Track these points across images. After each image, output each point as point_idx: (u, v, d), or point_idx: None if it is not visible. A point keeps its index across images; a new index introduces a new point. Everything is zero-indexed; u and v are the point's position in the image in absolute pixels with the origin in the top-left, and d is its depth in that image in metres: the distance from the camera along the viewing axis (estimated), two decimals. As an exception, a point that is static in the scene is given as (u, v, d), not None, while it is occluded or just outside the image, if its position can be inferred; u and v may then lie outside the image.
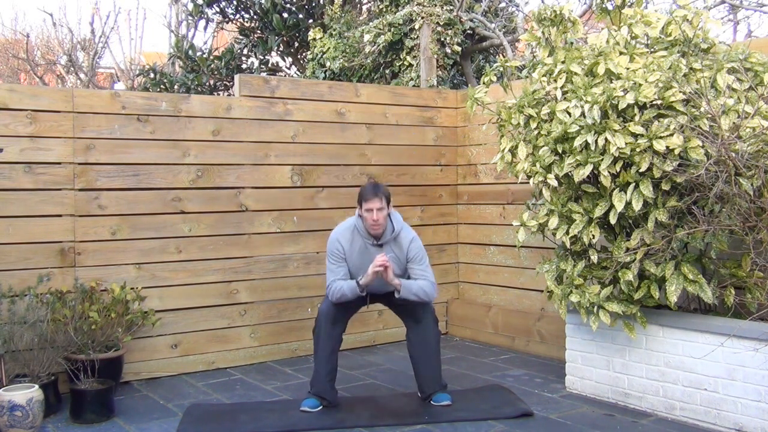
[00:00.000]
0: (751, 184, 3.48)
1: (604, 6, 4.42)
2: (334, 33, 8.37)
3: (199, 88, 9.26)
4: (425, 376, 4.25)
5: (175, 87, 9.42)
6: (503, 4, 8.88)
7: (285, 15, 9.64)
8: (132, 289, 4.72)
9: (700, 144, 3.53)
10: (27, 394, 3.75)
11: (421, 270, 4.16)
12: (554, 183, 4.03)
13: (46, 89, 4.86)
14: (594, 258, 4.06)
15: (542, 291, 4.72)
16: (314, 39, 8.53)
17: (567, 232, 4.03)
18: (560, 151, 3.98)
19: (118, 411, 4.20)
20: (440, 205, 6.24)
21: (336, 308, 4.17)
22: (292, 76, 10.22)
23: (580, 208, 4.00)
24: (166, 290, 4.96)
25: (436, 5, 7.26)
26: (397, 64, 7.48)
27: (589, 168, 3.81)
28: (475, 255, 6.17)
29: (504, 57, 6.52)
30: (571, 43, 4.47)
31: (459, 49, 7.31)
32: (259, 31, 10.03)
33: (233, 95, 5.61)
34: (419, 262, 4.18)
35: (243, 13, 10.16)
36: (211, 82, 9.68)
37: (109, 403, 4.15)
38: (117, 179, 4.79)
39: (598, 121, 3.78)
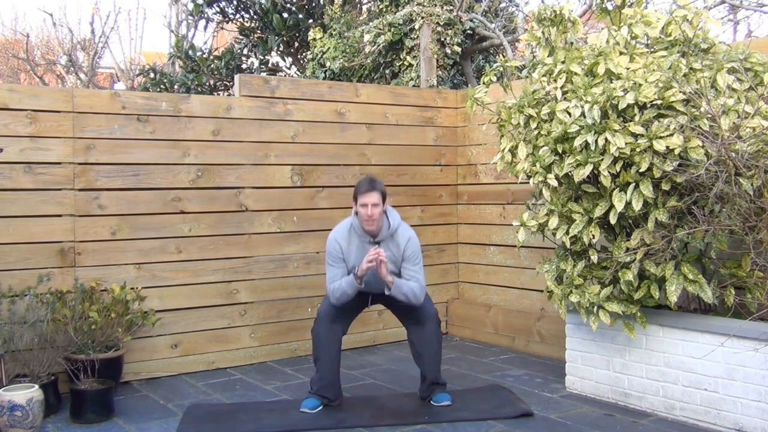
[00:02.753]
0: (751, 184, 3.48)
1: (604, 6, 4.42)
2: (334, 33, 8.37)
3: (199, 88, 9.26)
4: (426, 366, 4.22)
5: (175, 87, 9.42)
6: (503, 4, 8.88)
7: (285, 15, 9.64)
8: (132, 289, 4.72)
9: (700, 144, 3.53)
10: (27, 394, 3.75)
11: (414, 272, 4.14)
12: (554, 183, 4.03)
13: (46, 89, 4.86)
14: (594, 258, 4.06)
15: (542, 291, 4.72)
16: (314, 39, 8.54)
17: (567, 232, 4.03)
18: (560, 151, 3.98)
19: (118, 411, 4.20)
20: (440, 205, 6.24)
21: (336, 309, 4.16)
22: (292, 76, 10.22)
23: (580, 208, 4.00)
24: (166, 290, 4.96)
25: (436, 5, 7.26)
26: (397, 64, 7.48)
27: (589, 168, 3.81)
28: (475, 255, 6.17)
29: (504, 57, 6.52)
30: (571, 43, 4.47)
31: (459, 49, 7.32)
32: (259, 31, 10.03)
33: (233, 95, 5.61)
34: (414, 262, 4.15)
35: (243, 13, 10.17)
36: (211, 82, 9.68)
37: (109, 403, 4.15)
38: (117, 179, 4.79)
39: (598, 121, 3.78)
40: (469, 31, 7.72)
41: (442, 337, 4.32)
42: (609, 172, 3.76)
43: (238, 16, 10.26)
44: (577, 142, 3.82)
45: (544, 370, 5.02)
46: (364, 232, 4.12)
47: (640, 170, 3.68)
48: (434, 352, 4.23)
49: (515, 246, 4.60)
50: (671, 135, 3.59)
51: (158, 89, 9.57)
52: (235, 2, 10.02)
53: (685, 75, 3.78)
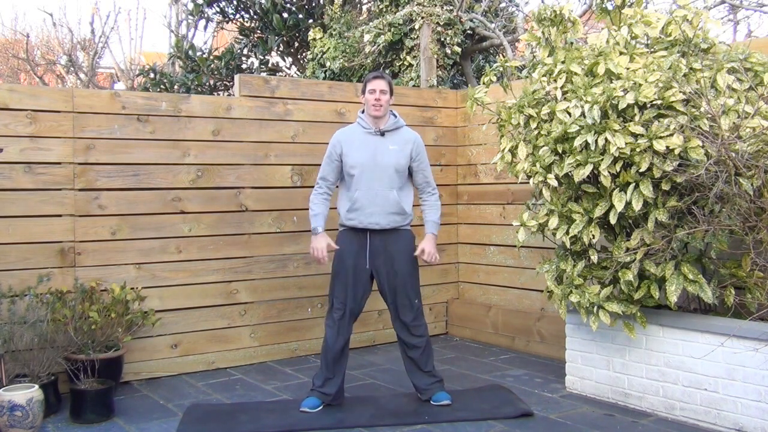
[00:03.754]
0: (751, 184, 3.48)
1: (604, 6, 4.42)
2: (334, 33, 8.37)
3: (199, 88, 9.26)
4: (419, 374, 4.26)
5: (175, 87, 9.42)
6: (503, 4, 8.88)
7: (285, 15, 9.64)
8: (132, 289, 4.72)
9: (700, 144, 3.53)
10: (27, 394, 3.75)
11: (427, 174, 4.37)
12: (554, 183, 4.03)
13: (46, 89, 4.86)
14: (594, 258, 4.06)
15: (542, 291, 4.72)
16: (314, 39, 8.54)
17: (567, 232, 4.03)
18: (560, 151, 3.98)
19: (118, 411, 4.20)
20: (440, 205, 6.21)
21: (339, 324, 4.17)
22: (292, 76, 10.22)
23: (580, 208, 4.00)
24: (166, 290, 4.96)
25: (436, 5, 7.26)
26: (397, 64, 7.48)
27: (589, 168, 3.81)
28: (475, 255, 6.17)
29: (504, 57, 6.51)
30: (571, 43, 4.47)
31: (459, 49, 7.32)
32: (259, 31, 10.03)
33: (233, 95, 5.61)
34: (426, 163, 4.35)
35: (243, 13, 10.17)
36: (211, 82, 9.68)
37: (109, 403, 4.15)
38: (117, 179, 4.79)
39: (598, 121, 3.78)
40: (469, 31, 7.72)
41: (429, 339, 4.32)
42: (609, 172, 3.76)
43: (238, 16, 10.26)
44: (577, 142, 3.82)
45: (544, 370, 5.02)
46: (371, 123, 4.21)
47: (640, 170, 3.68)
48: (424, 350, 4.25)
49: (515, 246, 4.60)
50: (671, 135, 3.59)
51: (158, 89, 9.57)
52: (235, 2, 10.02)
53: (685, 75, 3.78)
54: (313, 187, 5.46)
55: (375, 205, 4.14)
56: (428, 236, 4.35)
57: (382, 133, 4.21)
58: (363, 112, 4.28)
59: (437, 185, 6.13)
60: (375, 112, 4.17)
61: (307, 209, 5.49)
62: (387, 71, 7.61)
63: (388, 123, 4.24)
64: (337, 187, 4.39)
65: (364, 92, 4.23)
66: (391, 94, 4.25)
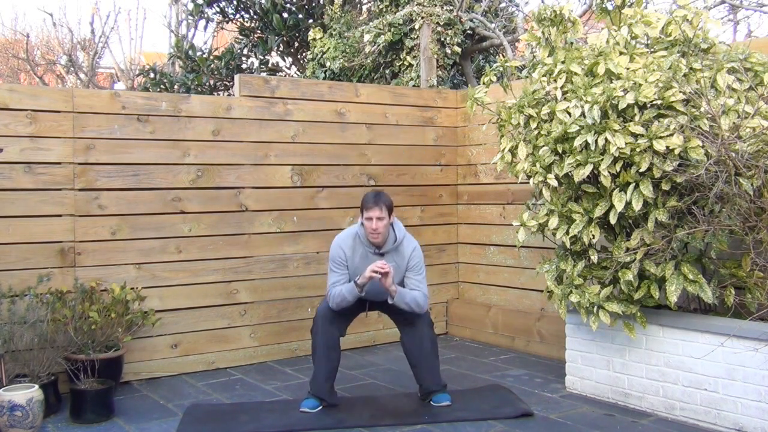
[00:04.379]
0: (751, 184, 3.48)
1: (604, 6, 4.42)
2: (334, 33, 8.37)
3: (199, 88, 9.26)
4: (422, 377, 4.25)
5: (175, 87, 9.42)
6: (503, 4, 8.88)
7: (285, 15, 9.64)
8: (132, 289, 4.72)
9: (700, 144, 3.53)
10: (27, 394, 3.75)
11: (417, 281, 4.18)
12: (554, 183, 4.03)
13: (46, 89, 4.86)
14: (594, 258, 4.06)
15: (542, 291, 4.72)
16: (314, 39, 8.53)
17: (567, 232, 4.03)
18: (560, 151, 3.98)
19: (118, 411, 4.20)
20: (440, 205, 6.24)
21: (333, 311, 4.17)
22: (292, 76, 10.22)
23: (580, 208, 4.00)
24: (166, 290, 4.96)
25: (436, 5, 7.26)
26: (397, 64, 7.48)
27: (589, 168, 3.81)
28: (475, 255, 6.17)
29: (504, 57, 6.52)
30: (571, 43, 4.47)
31: (459, 49, 7.31)
32: (259, 31, 10.03)
33: (233, 95, 5.61)
34: (417, 272, 4.20)
35: (243, 13, 10.16)
36: (211, 82, 9.68)
37: (109, 403, 4.15)
38: (117, 179, 4.79)
39: (598, 121, 3.78)
40: (469, 31, 7.72)
41: (435, 338, 4.31)
42: (609, 172, 3.76)
43: (238, 16, 10.26)
44: (577, 142, 3.82)
45: (544, 370, 5.02)
46: (369, 243, 4.14)
47: (640, 170, 3.68)
48: (427, 352, 4.22)
49: (515, 246, 4.60)
50: (671, 135, 3.59)
51: (158, 89, 9.57)
52: (235, 2, 10.02)
53: (685, 75, 3.78)
54: (313, 187, 5.53)
55: (373, 295, 4.16)
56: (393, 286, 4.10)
57: (382, 254, 4.15)
58: (362, 224, 4.15)
59: (437, 185, 6.19)
60: (373, 240, 4.11)
61: (308, 209, 5.55)
62: (387, 71, 7.61)
63: (388, 245, 4.16)
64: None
65: (362, 213, 4.12)
66: (390, 214, 4.13)
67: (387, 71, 7.63)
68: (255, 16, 9.97)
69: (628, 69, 3.90)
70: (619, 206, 3.74)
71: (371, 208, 4.07)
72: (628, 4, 4.33)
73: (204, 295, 5.11)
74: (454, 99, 6.33)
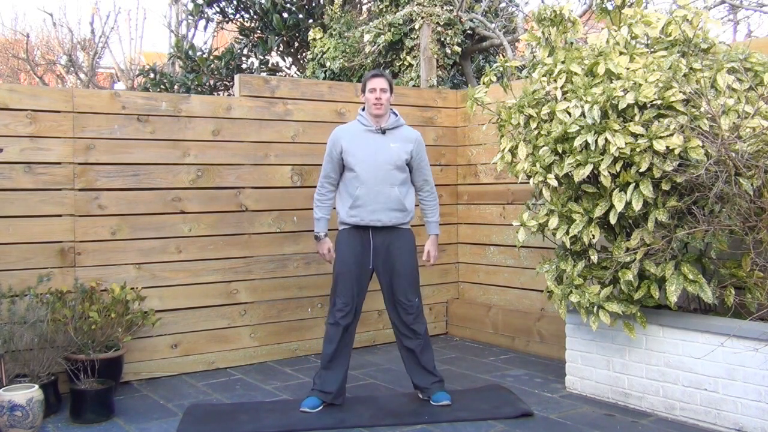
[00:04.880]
0: (751, 184, 3.48)
1: (604, 6, 4.42)
2: (334, 33, 8.37)
3: (199, 88, 9.26)
4: (418, 372, 4.26)
5: (175, 87, 9.42)
6: (503, 4, 8.88)
7: (285, 15, 9.64)
8: (132, 289, 4.72)
9: (700, 144, 3.53)
10: (27, 394, 3.75)
11: (427, 173, 4.37)
12: (554, 183, 4.03)
13: (46, 89, 4.86)
14: (594, 258, 4.06)
15: (542, 291, 4.72)
16: (314, 39, 8.54)
17: (567, 232, 4.03)
18: (560, 151, 3.98)
19: (118, 411, 4.20)
20: (440, 205, 6.21)
21: (341, 322, 4.17)
22: (292, 76, 10.22)
23: (580, 208, 4.00)
24: (166, 290, 4.96)
25: (436, 5, 7.26)
26: (397, 64, 7.48)
27: (589, 168, 3.81)
28: (475, 255, 6.17)
29: (504, 57, 6.52)
30: (571, 43, 4.47)
31: (459, 49, 7.32)
32: (259, 31, 10.03)
33: (233, 95, 5.61)
34: (426, 162, 4.36)
35: (243, 13, 10.17)
36: (211, 82, 9.68)
37: (109, 403, 4.15)
38: (117, 179, 4.79)
39: (598, 121, 3.78)
40: (469, 31, 7.72)
41: (429, 337, 4.32)
42: (609, 172, 3.76)
43: (238, 16, 10.26)
44: (577, 142, 3.82)
45: (544, 370, 5.02)
46: (372, 121, 4.20)
47: (640, 170, 3.68)
48: (423, 348, 4.25)
49: (515, 246, 4.60)
50: (671, 135, 3.59)
51: (158, 89, 9.57)
52: (235, 2, 10.02)
53: (685, 75, 3.78)
54: (313, 187, 5.51)
55: (377, 202, 4.15)
56: (431, 237, 4.40)
57: (383, 131, 4.21)
58: (363, 110, 4.29)
59: (437, 185, 6.17)
60: (376, 111, 4.17)
61: (308, 209, 5.54)
62: (387, 71, 7.61)
63: (389, 121, 4.24)
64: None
65: (363, 91, 4.23)
66: (391, 92, 4.26)
67: (387, 71, 7.63)
68: (255, 16, 9.98)
69: (628, 69, 3.90)
70: (619, 206, 3.74)
71: (374, 80, 4.18)
72: (628, 4, 4.33)
73: (204, 295, 5.11)
74: (454, 99, 6.33)
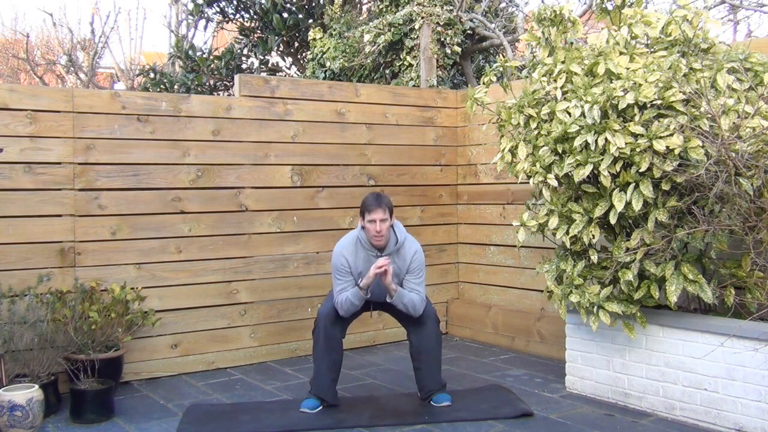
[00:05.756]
0: (751, 184, 3.48)
1: (604, 6, 4.42)
2: (334, 33, 8.37)
3: (199, 88, 9.26)
4: (425, 376, 4.25)
5: (175, 87, 9.42)
6: (503, 4, 8.88)
7: (285, 15, 9.64)
8: (132, 289, 4.72)
9: (700, 144, 3.53)
10: (27, 394, 3.75)
11: (416, 284, 4.16)
12: (554, 183, 4.03)
13: (46, 89, 4.86)
14: (594, 258, 4.06)
15: (542, 291, 4.72)
16: (314, 39, 8.54)
17: (567, 232, 4.03)
18: (560, 151, 3.98)
19: (118, 411, 4.20)
20: (440, 205, 6.24)
21: (336, 312, 4.16)
22: (292, 76, 10.22)
23: (580, 208, 4.00)
24: (166, 290, 4.96)
25: (436, 5, 7.26)
26: (397, 64, 7.48)
27: (589, 168, 3.81)
28: (475, 255, 6.17)
29: (504, 57, 6.52)
30: (571, 43, 4.47)
31: (459, 49, 7.32)
32: (259, 31, 10.03)
33: (233, 95, 5.61)
34: (417, 275, 4.18)
35: (243, 13, 10.17)
36: (211, 82, 9.68)
37: (109, 403, 4.15)
38: (117, 179, 4.79)
39: (598, 121, 3.78)
40: (469, 31, 7.72)
41: (441, 339, 4.31)
42: (609, 172, 3.76)
43: (238, 16, 10.26)
44: (577, 142, 3.82)
45: (544, 370, 5.02)
46: (372, 246, 4.12)
47: (640, 170, 3.68)
48: (433, 351, 4.22)
49: (515, 246, 4.60)
50: (671, 135, 3.59)
51: (158, 89, 9.57)
52: (235, 2, 10.03)
53: (685, 75, 3.78)
54: (313, 187, 5.53)
55: (376, 296, 4.18)
56: (395, 287, 4.12)
57: (384, 257, 4.12)
58: (363, 228, 4.12)
59: (437, 185, 6.19)
60: (377, 243, 4.08)
61: (308, 209, 5.55)
62: (387, 71, 7.61)
63: (390, 247, 4.14)
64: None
65: (362, 216, 4.08)
66: (391, 214, 4.11)
67: (387, 71, 7.63)
68: (255, 16, 9.98)
69: (628, 69, 3.90)
70: (619, 206, 3.74)
71: (374, 210, 4.03)
72: (628, 4, 4.33)
73: (204, 295, 5.11)
74: (454, 99, 6.34)
